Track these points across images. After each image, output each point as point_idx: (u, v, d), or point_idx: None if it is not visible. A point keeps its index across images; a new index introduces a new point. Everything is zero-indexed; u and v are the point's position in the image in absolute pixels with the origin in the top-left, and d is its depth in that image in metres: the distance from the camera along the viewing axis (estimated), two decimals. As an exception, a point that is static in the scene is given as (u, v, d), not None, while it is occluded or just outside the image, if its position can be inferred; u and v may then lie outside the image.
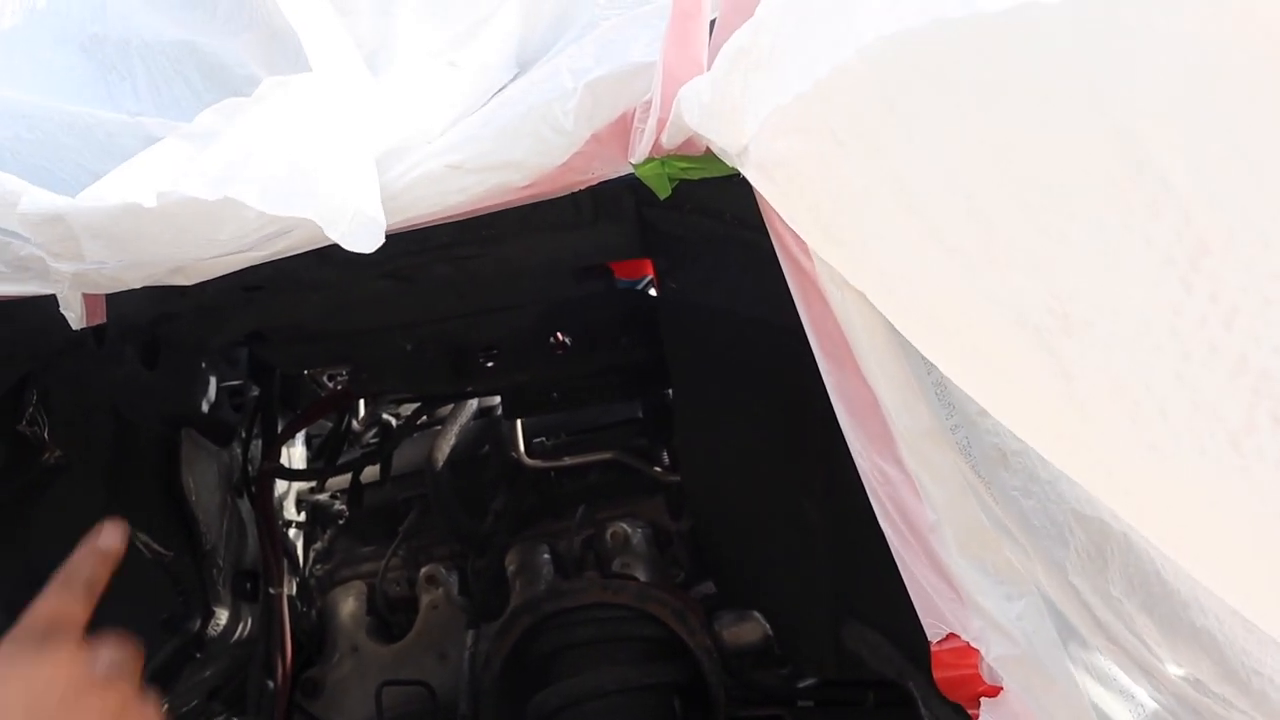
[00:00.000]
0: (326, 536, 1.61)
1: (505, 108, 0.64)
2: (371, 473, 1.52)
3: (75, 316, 0.67)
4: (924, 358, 0.53)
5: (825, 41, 0.35)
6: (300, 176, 0.54)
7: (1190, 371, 0.30)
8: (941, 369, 0.50)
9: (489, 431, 1.48)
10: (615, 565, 1.35)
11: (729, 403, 1.05)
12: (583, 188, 0.64)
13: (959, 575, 0.59)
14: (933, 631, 0.61)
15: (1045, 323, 0.34)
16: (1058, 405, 0.36)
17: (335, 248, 0.57)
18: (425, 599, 1.47)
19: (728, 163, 0.53)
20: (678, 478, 1.35)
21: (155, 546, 1.17)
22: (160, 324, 1.04)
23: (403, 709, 1.41)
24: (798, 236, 0.54)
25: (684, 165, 0.61)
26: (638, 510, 1.39)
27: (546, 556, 1.39)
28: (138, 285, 0.66)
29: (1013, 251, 0.33)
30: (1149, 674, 0.56)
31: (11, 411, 0.96)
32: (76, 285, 0.65)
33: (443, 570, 1.47)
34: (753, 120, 0.44)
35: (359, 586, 1.53)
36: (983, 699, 0.61)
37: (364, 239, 0.56)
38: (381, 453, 1.51)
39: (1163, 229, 0.29)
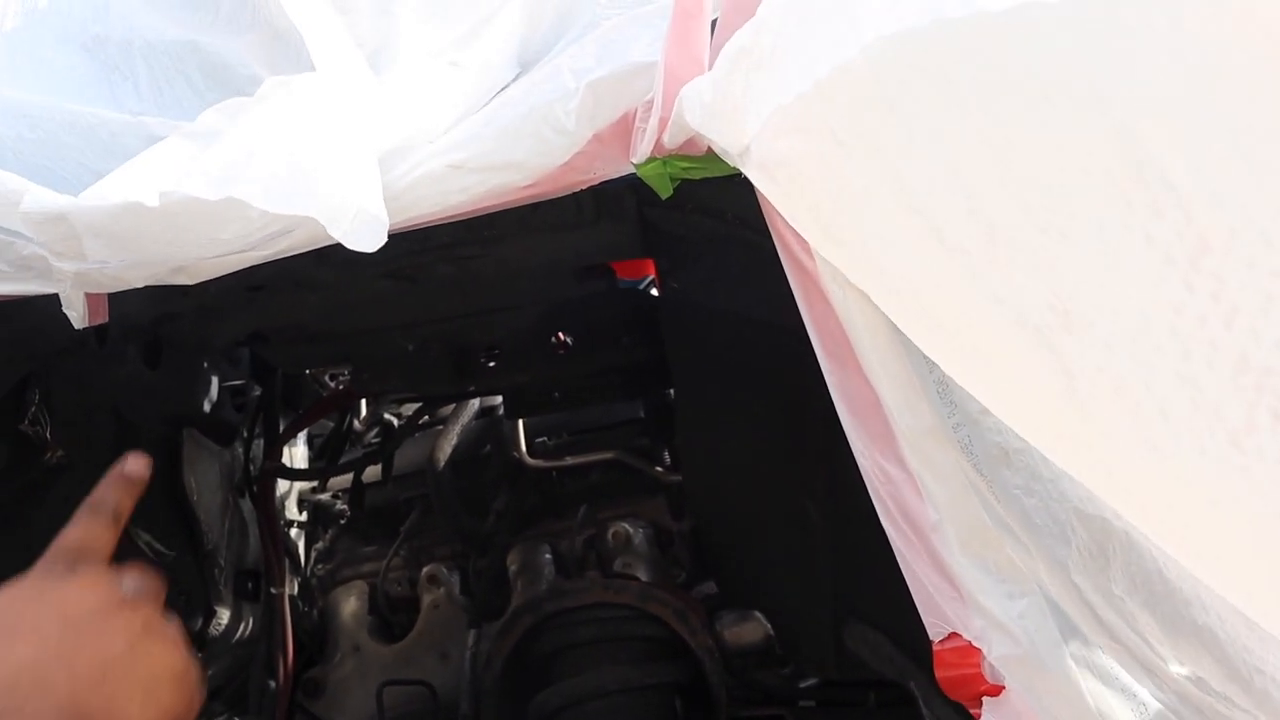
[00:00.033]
0: (328, 536, 1.61)
1: (507, 108, 0.64)
2: (373, 472, 1.52)
3: (77, 316, 0.67)
4: (926, 356, 0.53)
5: (826, 41, 0.35)
6: (302, 175, 0.54)
7: (1191, 370, 0.30)
8: (943, 368, 0.50)
9: (491, 431, 1.48)
10: (617, 565, 1.35)
11: (730, 402, 1.05)
12: (584, 187, 0.64)
13: (961, 574, 0.59)
14: (934, 631, 0.61)
15: (1046, 321, 0.34)
16: (1059, 404, 0.36)
17: (337, 247, 0.57)
18: (427, 599, 1.47)
19: (729, 162, 0.53)
20: (679, 477, 1.35)
21: (157, 546, 1.17)
22: (162, 323, 1.04)
23: (404, 709, 1.42)
24: (799, 236, 0.54)
25: (685, 165, 0.61)
26: (639, 510, 1.39)
27: (548, 556, 1.39)
28: (140, 284, 0.66)
29: (1013, 251, 0.33)
30: (1151, 673, 0.56)
31: (13, 411, 0.96)
32: (79, 284, 0.65)
33: (444, 570, 1.47)
34: (754, 120, 0.44)
35: (360, 586, 1.53)
36: (984, 698, 0.61)
37: (366, 238, 0.56)
38: (383, 452, 1.51)
39: (1163, 228, 0.29)
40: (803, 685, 1.24)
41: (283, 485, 1.54)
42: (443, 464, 1.42)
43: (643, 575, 1.33)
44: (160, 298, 0.73)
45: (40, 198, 0.59)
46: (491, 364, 1.23)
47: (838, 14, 0.35)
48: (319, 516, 1.61)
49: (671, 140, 0.59)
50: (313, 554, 1.59)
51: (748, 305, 0.89)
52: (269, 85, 0.58)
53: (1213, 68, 0.27)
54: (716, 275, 0.92)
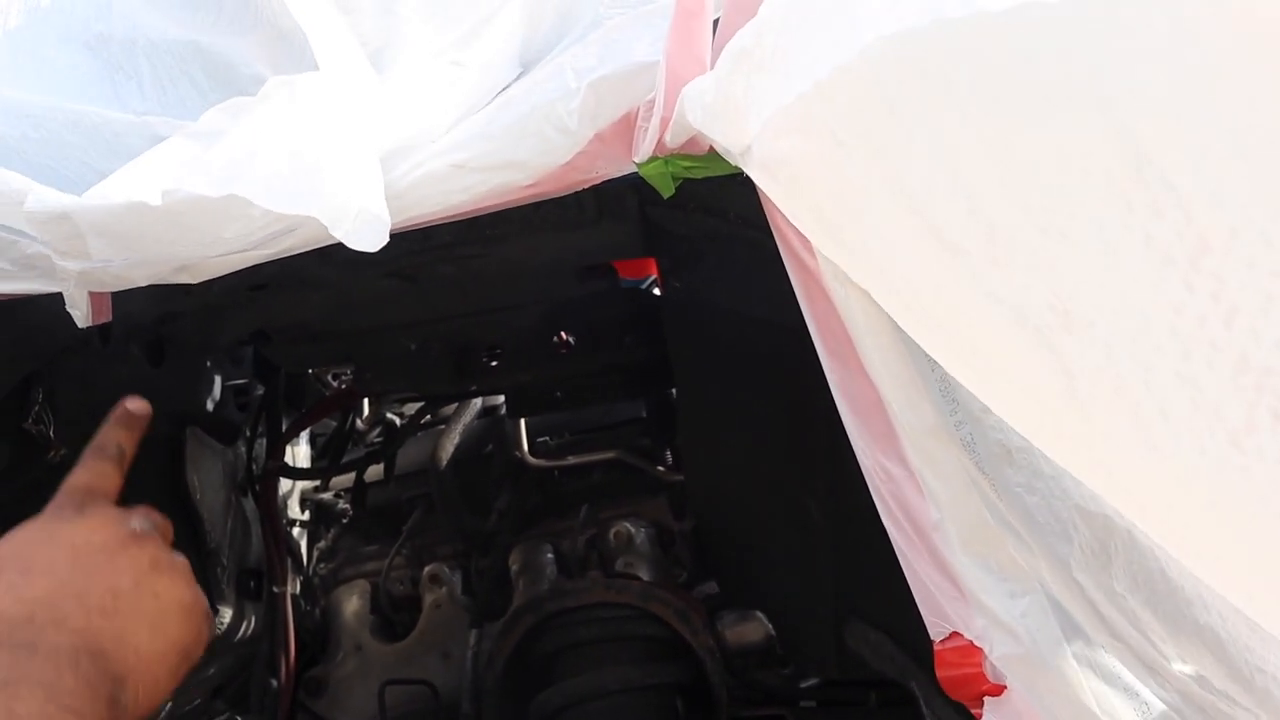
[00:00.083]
0: (330, 535, 1.61)
1: (509, 107, 0.64)
2: (375, 472, 1.53)
3: (81, 315, 0.67)
4: (927, 355, 0.53)
5: (827, 42, 0.35)
6: (305, 175, 0.54)
7: (1191, 370, 0.31)
8: (944, 367, 0.50)
9: (493, 431, 1.48)
10: (618, 565, 1.35)
11: (732, 402, 1.05)
12: (586, 187, 0.64)
13: (962, 573, 0.59)
14: (935, 630, 0.61)
15: (1046, 321, 0.34)
16: (1059, 404, 0.36)
17: (339, 247, 0.57)
18: (429, 598, 1.47)
19: (731, 162, 0.53)
20: (681, 477, 1.35)
21: (160, 544, 1.17)
22: (166, 322, 1.04)
23: (406, 708, 1.42)
24: (801, 235, 0.54)
25: (687, 164, 0.61)
26: (641, 510, 1.40)
27: (550, 556, 1.39)
28: (143, 283, 0.66)
29: (1013, 250, 0.33)
30: (1154, 671, 0.56)
31: (17, 410, 0.96)
32: (82, 283, 0.65)
33: (446, 569, 1.48)
34: (755, 120, 0.44)
35: (363, 585, 1.53)
36: (986, 698, 0.61)
37: (368, 238, 0.56)
38: (385, 452, 1.51)
39: (1163, 228, 0.29)
40: (804, 685, 1.24)
41: (285, 484, 1.54)
42: (445, 463, 1.42)
43: (644, 575, 1.33)
44: (163, 297, 0.73)
45: (44, 197, 0.59)
46: (494, 363, 1.23)
47: (838, 14, 0.35)
48: (321, 515, 1.62)
49: (673, 139, 0.59)
50: (315, 553, 1.60)
51: (750, 304, 0.89)
52: (271, 85, 0.58)
53: (1213, 67, 0.27)
54: (718, 274, 0.92)
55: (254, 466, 1.42)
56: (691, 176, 0.62)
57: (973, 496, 0.57)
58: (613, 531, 1.37)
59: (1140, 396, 0.32)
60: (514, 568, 1.40)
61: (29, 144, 0.69)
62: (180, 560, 0.66)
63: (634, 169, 0.63)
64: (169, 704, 1.24)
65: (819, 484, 0.96)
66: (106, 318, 0.72)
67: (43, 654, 0.55)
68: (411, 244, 0.81)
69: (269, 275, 0.76)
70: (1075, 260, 0.32)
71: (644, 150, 0.61)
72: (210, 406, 1.32)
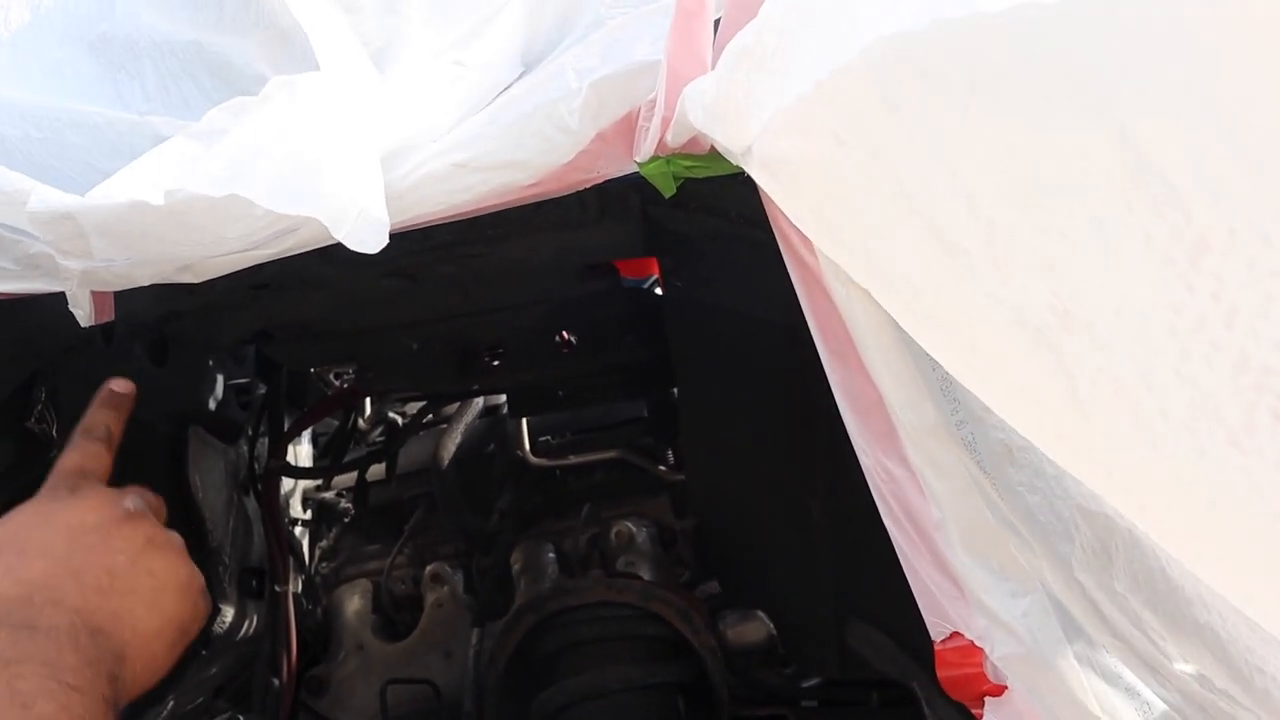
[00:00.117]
0: (332, 534, 1.62)
1: (511, 107, 0.64)
2: (377, 471, 1.53)
3: (84, 314, 0.67)
4: (928, 354, 0.53)
5: (827, 42, 0.35)
6: (305, 175, 0.54)
7: (1190, 370, 0.31)
8: (945, 367, 0.50)
9: (494, 430, 1.48)
10: (620, 564, 1.35)
11: (733, 401, 1.05)
12: (588, 186, 0.64)
13: (963, 573, 0.59)
14: (936, 630, 0.61)
15: (1046, 321, 0.34)
16: (1059, 404, 0.36)
17: (341, 246, 0.57)
18: (430, 597, 1.47)
19: (732, 161, 0.53)
20: (682, 476, 1.35)
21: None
22: (168, 322, 1.04)
23: (408, 707, 1.42)
24: (802, 234, 0.54)
25: (689, 164, 0.61)
26: (642, 509, 1.40)
27: (551, 555, 1.39)
28: (146, 283, 0.66)
29: (1013, 250, 0.33)
30: (1155, 671, 0.56)
31: (20, 409, 0.96)
32: (85, 283, 0.65)
33: (448, 568, 1.48)
34: (756, 120, 0.44)
35: (364, 584, 1.53)
36: (987, 698, 0.61)
37: (368, 239, 0.56)
38: (387, 451, 1.52)
39: (1163, 228, 0.29)
40: (805, 685, 1.24)
41: (287, 483, 1.54)
42: (447, 462, 1.42)
43: (646, 574, 1.33)
44: (166, 296, 0.73)
45: (47, 197, 0.59)
46: (495, 363, 1.24)
47: (838, 15, 0.35)
48: (323, 515, 1.62)
49: (675, 139, 0.59)
50: (317, 552, 1.60)
51: (751, 303, 0.89)
52: (273, 85, 0.58)
53: (1212, 67, 0.27)
54: (720, 274, 0.92)
55: (256, 465, 1.42)
56: (693, 176, 0.62)
57: (974, 496, 0.57)
58: (614, 531, 1.37)
59: (1140, 396, 0.32)
60: (516, 567, 1.40)
61: (32, 144, 0.69)
62: (175, 537, 0.67)
63: (635, 168, 0.63)
64: (171, 702, 1.24)
65: (820, 483, 0.96)
66: (109, 317, 0.72)
67: (43, 633, 0.55)
68: (413, 243, 0.81)
69: (271, 275, 0.77)
70: (1075, 260, 0.32)
71: (645, 150, 0.61)
72: (213, 405, 1.32)
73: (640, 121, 0.61)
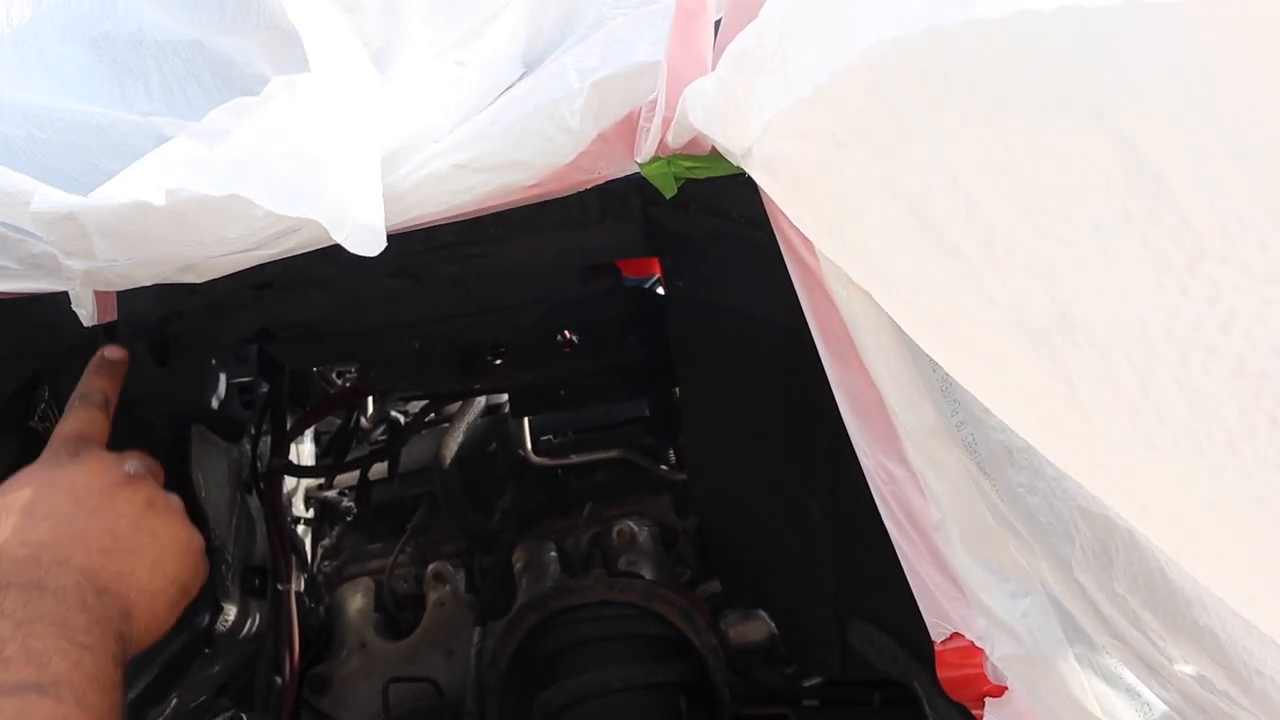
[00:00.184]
0: (335, 533, 1.62)
1: (512, 107, 0.64)
2: (380, 470, 1.53)
3: (87, 314, 0.67)
4: (928, 355, 0.53)
5: (826, 44, 0.36)
6: (306, 176, 0.54)
7: (1188, 374, 0.31)
8: (945, 368, 0.51)
9: (496, 429, 1.48)
10: (621, 563, 1.35)
11: (735, 401, 1.05)
12: (589, 187, 0.64)
13: (963, 573, 0.59)
14: (937, 631, 0.61)
15: (1045, 324, 0.34)
16: (1059, 406, 0.36)
17: (343, 247, 0.57)
18: (432, 596, 1.48)
19: (733, 162, 0.54)
20: (684, 476, 1.35)
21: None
22: (170, 321, 1.05)
23: (409, 705, 1.42)
24: (803, 235, 0.54)
25: (690, 164, 0.61)
26: (644, 508, 1.40)
27: (553, 554, 1.40)
28: (148, 283, 0.66)
29: (1012, 253, 0.33)
30: (1155, 672, 0.56)
31: (23, 408, 0.97)
32: (88, 283, 0.65)
33: (450, 567, 1.48)
34: (756, 121, 0.45)
35: (367, 583, 1.53)
36: (987, 699, 0.61)
37: (367, 242, 0.56)
38: (390, 450, 1.52)
39: (1160, 232, 0.29)
40: (806, 684, 1.24)
41: (290, 482, 1.54)
42: (449, 461, 1.42)
43: (647, 573, 1.33)
44: (168, 296, 0.73)
45: (49, 197, 0.60)
46: (497, 362, 1.24)
47: (838, 18, 0.35)
48: (326, 513, 1.62)
49: (675, 140, 0.59)
50: (319, 551, 1.60)
51: (752, 304, 0.89)
52: (274, 85, 0.58)
53: (1209, 70, 0.27)
54: (721, 274, 0.92)
55: (259, 464, 1.42)
56: (694, 177, 0.62)
57: (974, 497, 0.58)
58: (616, 530, 1.37)
59: (1138, 399, 0.32)
60: (517, 566, 1.40)
61: (36, 145, 0.69)
62: (175, 500, 0.69)
63: (636, 169, 0.63)
64: (174, 700, 1.24)
65: (820, 484, 0.96)
66: (112, 316, 0.73)
67: (52, 593, 0.56)
68: (415, 244, 0.81)
69: (273, 274, 0.77)
70: (1073, 264, 0.32)
71: (646, 150, 0.61)
72: (215, 404, 1.32)
73: (641, 122, 0.61)
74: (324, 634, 1.52)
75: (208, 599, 1.28)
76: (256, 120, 0.57)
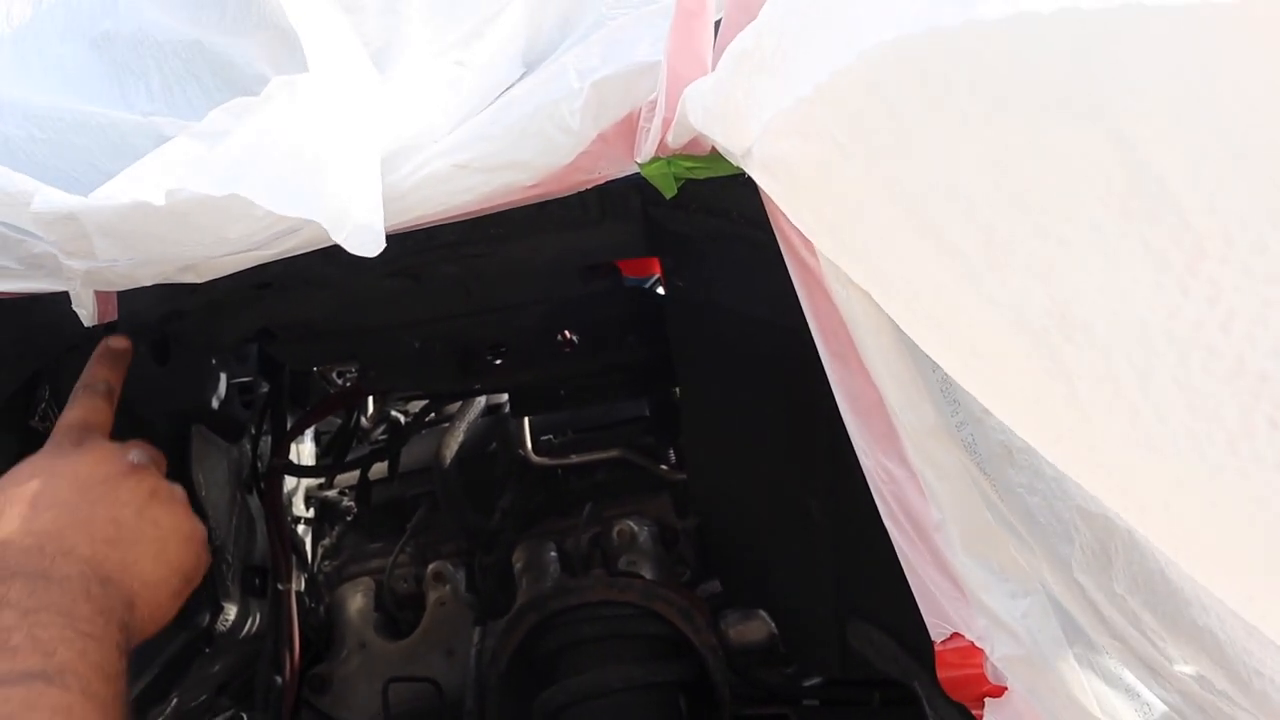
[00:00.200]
0: (335, 533, 1.62)
1: (512, 107, 0.64)
2: (380, 469, 1.53)
3: (87, 314, 0.68)
4: (928, 355, 0.53)
5: (827, 45, 0.36)
6: (305, 177, 0.54)
7: (1187, 375, 0.31)
8: (945, 368, 0.51)
9: (496, 429, 1.48)
10: (621, 563, 1.36)
11: (734, 401, 1.05)
12: (589, 187, 0.64)
13: (963, 574, 0.59)
14: (937, 631, 0.61)
15: (1044, 325, 0.34)
16: (1058, 406, 0.36)
17: (342, 247, 0.57)
18: (432, 596, 1.48)
19: (733, 163, 0.54)
20: (684, 476, 1.35)
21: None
22: (171, 321, 1.05)
23: (410, 705, 1.42)
24: (803, 235, 0.54)
25: (689, 165, 0.61)
26: (644, 508, 1.40)
27: (553, 554, 1.40)
28: (149, 283, 0.66)
29: (1012, 254, 0.33)
30: (1155, 672, 0.56)
31: (23, 407, 0.97)
32: (88, 283, 0.66)
33: (450, 567, 1.48)
34: (756, 122, 0.45)
35: (367, 583, 1.53)
36: (987, 699, 0.61)
37: (367, 242, 0.56)
38: (390, 450, 1.52)
39: (1160, 232, 0.29)
40: (807, 684, 1.24)
41: (290, 482, 1.54)
42: (449, 461, 1.43)
43: (647, 573, 1.33)
44: (169, 295, 0.73)
45: (50, 197, 0.60)
46: (497, 362, 1.24)
47: (838, 18, 0.35)
48: (326, 513, 1.62)
49: (675, 140, 0.59)
50: (319, 550, 1.60)
51: (752, 304, 0.89)
52: (274, 85, 0.58)
53: (1209, 73, 0.27)
54: (721, 274, 0.92)
55: (259, 464, 1.42)
56: (694, 177, 0.62)
57: (974, 497, 0.58)
58: (616, 530, 1.37)
59: (1138, 400, 0.32)
60: (517, 566, 1.40)
61: (36, 145, 0.69)
62: (177, 490, 0.69)
63: (636, 169, 0.63)
64: (174, 700, 1.24)
65: (820, 484, 0.96)
66: (112, 317, 0.73)
67: (56, 583, 0.57)
68: (415, 244, 0.81)
69: (274, 274, 0.77)
70: (1073, 264, 0.32)
71: (646, 150, 0.61)
72: (215, 404, 1.32)
73: (641, 122, 0.61)
74: (324, 634, 1.52)
75: (208, 598, 1.28)
76: (256, 120, 0.57)
